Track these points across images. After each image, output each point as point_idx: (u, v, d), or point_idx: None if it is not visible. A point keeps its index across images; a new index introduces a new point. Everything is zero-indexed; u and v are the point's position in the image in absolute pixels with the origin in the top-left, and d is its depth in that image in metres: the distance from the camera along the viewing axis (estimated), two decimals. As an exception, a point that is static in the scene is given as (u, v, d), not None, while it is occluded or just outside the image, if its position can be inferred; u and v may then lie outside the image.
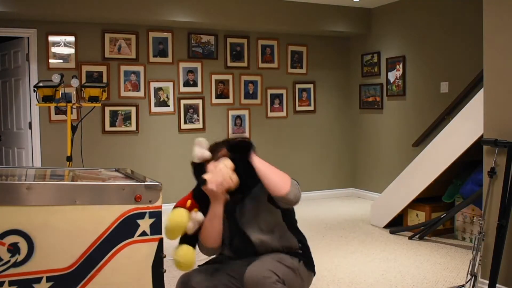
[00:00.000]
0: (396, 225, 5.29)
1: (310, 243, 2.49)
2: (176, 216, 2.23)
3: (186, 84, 6.32)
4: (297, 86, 6.96)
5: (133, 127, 6.05)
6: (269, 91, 6.79)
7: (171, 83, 6.23)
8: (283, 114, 6.89)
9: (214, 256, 2.45)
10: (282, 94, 6.87)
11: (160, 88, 6.18)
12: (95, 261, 2.04)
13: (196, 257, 2.31)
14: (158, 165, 6.17)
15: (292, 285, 2.24)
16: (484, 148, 3.43)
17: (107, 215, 2.07)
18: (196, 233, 2.29)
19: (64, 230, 2.02)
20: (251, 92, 6.68)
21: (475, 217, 4.61)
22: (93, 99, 4.75)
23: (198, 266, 2.41)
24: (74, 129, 4.68)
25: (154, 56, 6.14)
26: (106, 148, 5.93)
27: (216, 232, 2.28)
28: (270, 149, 6.79)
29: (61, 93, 4.71)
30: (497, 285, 3.22)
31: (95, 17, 5.55)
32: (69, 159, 4.61)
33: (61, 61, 5.71)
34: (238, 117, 6.61)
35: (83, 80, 5.70)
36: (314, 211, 6.19)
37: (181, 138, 6.28)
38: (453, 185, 4.92)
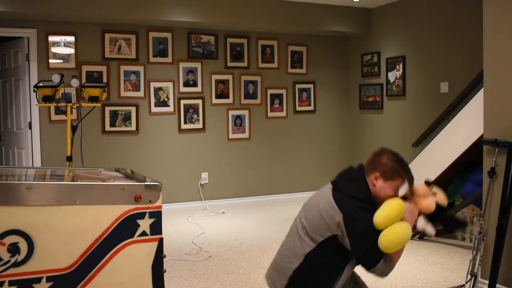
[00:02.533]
0: (396, 225, 5.28)
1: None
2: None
3: (186, 84, 6.32)
4: (297, 86, 6.95)
5: (133, 127, 6.05)
6: (269, 91, 6.78)
7: (171, 83, 6.23)
8: (283, 114, 6.89)
9: None
10: (282, 94, 6.86)
11: (160, 88, 6.18)
12: (95, 261, 2.04)
13: None
14: (158, 165, 6.16)
15: None
16: (484, 148, 3.43)
17: (107, 215, 2.07)
18: None
19: (64, 230, 2.02)
20: (251, 92, 6.68)
21: (475, 217, 4.61)
22: (93, 99, 4.75)
23: None
24: (74, 129, 4.67)
25: (154, 56, 6.14)
26: (106, 148, 5.92)
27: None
28: (270, 149, 6.79)
29: (61, 93, 4.70)
30: (497, 285, 3.22)
31: (95, 17, 5.55)
32: (69, 159, 4.61)
33: (61, 61, 5.71)
34: (238, 117, 6.61)
35: (83, 80, 5.70)
36: (314, 211, 6.17)
37: (181, 138, 6.27)
38: (453, 185, 4.92)
